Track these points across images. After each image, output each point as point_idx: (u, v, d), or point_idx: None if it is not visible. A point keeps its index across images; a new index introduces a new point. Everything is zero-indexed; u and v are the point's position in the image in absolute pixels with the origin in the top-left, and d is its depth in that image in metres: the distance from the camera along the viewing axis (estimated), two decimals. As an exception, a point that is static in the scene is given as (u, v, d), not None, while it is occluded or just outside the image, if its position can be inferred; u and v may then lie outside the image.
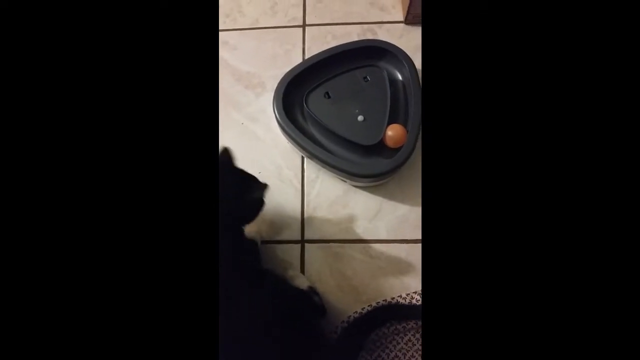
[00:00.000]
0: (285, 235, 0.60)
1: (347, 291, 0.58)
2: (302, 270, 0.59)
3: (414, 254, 0.59)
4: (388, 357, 0.54)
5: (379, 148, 0.59)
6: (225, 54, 0.71)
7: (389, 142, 0.59)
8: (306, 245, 0.60)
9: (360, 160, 0.60)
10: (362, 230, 0.60)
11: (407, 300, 0.57)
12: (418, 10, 0.68)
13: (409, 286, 0.57)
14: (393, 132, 0.58)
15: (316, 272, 0.59)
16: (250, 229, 0.60)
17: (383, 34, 0.71)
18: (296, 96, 0.62)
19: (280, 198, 0.62)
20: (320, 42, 0.71)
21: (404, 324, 0.55)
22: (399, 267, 0.58)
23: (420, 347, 0.54)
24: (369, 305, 0.56)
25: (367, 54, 0.64)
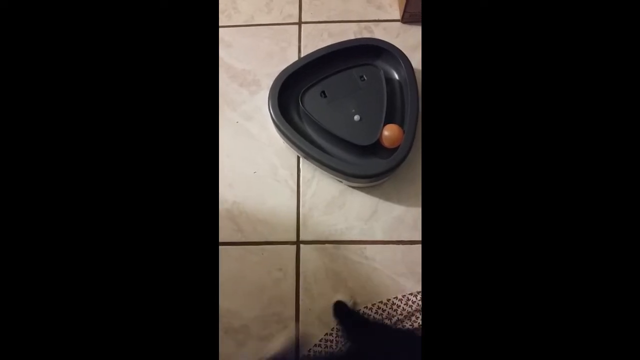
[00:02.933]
0: (280, 236, 0.60)
1: (343, 293, 0.57)
2: (297, 272, 0.58)
3: (410, 255, 0.58)
4: None
5: (375, 148, 0.58)
6: (219, 52, 0.70)
7: (386, 142, 0.58)
8: (301, 246, 0.59)
9: (357, 161, 0.59)
10: (358, 231, 0.60)
11: (404, 302, 0.57)
12: (415, 9, 0.67)
13: (404, 288, 0.57)
14: (389, 132, 0.58)
15: (311, 273, 0.58)
16: (246, 229, 0.60)
17: (380, 33, 0.71)
18: (292, 95, 0.61)
19: (276, 198, 0.62)
20: (316, 39, 0.70)
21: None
22: (395, 269, 0.58)
23: None
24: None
25: (364, 53, 0.63)
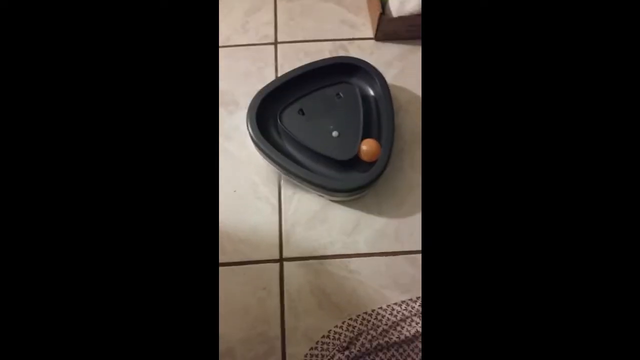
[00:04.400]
0: (263, 255, 0.59)
1: (328, 309, 0.57)
2: (281, 290, 0.58)
3: (393, 267, 0.59)
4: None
5: (354, 163, 0.60)
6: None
7: (364, 157, 0.59)
8: (285, 263, 0.59)
9: (337, 175, 0.60)
10: (341, 245, 0.60)
11: (388, 312, 0.57)
12: (387, 28, 0.70)
13: (389, 299, 0.57)
14: (367, 147, 0.59)
15: (296, 290, 0.58)
16: (228, 249, 0.59)
17: (354, 50, 0.73)
18: (270, 113, 0.62)
19: (257, 216, 0.61)
20: (293, 59, 0.72)
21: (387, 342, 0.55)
22: (379, 281, 0.58)
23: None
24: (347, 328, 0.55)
25: (340, 71, 0.65)
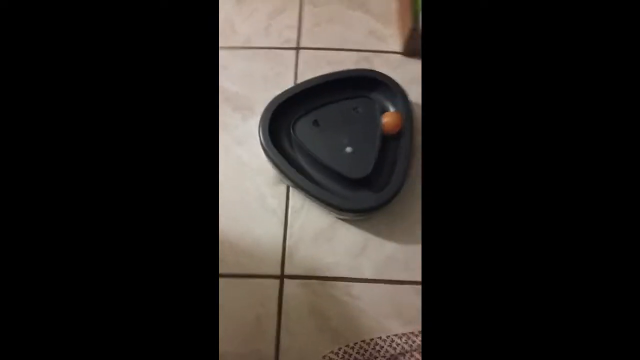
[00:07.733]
0: (264, 269, 0.57)
1: (326, 332, 0.54)
2: (280, 308, 0.55)
3: (399, 297, 0.56)
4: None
5: (367, 182, 0.57)
6: (214, 73, 0.69)
7: (387, 128, 0.58)
8: (285, 280, 0.57)
9: (347, 194, 0.57)
10: (346, 267, 0.57)
11: (387, 343, 0.54)
12: (416, 44, 0.67)
13: (390, 329, 0.54)
14: (389, 119, 0.58)
15: (294, 310, 0.55)
16: (229, 259, 0.57)
17: (379, 64, 0.70)
18: (284, 122, 0.60)
19: (262, 228, 0.59)
20: (314, 66, 0.69)
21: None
22: (381, 310, 0.55)
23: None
24: (343, 346, 0.52)
25: (360, 84, 0.62)
